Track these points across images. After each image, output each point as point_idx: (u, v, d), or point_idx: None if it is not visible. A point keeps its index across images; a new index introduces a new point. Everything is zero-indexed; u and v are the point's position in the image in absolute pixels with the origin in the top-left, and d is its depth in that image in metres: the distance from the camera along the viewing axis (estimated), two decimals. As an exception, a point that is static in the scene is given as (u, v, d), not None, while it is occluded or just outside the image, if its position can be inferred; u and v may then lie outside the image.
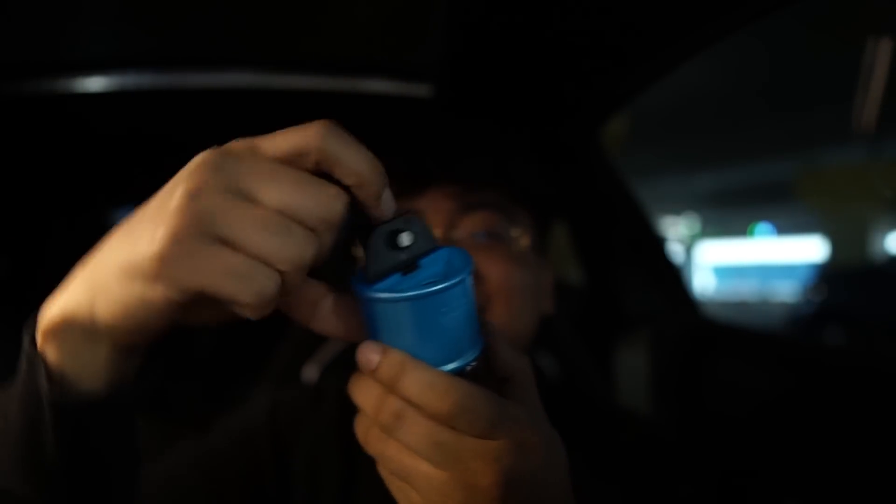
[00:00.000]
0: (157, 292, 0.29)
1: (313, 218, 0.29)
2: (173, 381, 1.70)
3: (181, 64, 1.09)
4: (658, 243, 1.23)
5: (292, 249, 0.29)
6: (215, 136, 0.33)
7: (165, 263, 0.28)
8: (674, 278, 1.21)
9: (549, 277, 0.66)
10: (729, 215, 14.54)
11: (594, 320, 1.35)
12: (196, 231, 0.28)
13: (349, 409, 0.36)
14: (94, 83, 1.11)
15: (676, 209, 13.41)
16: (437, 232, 0.56)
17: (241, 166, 0.29)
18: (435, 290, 0.32)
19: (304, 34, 1.02)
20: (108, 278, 0.30)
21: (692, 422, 1.05)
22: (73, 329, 0.32)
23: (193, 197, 0.28)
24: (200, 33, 1.02)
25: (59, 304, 0.32)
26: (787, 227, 14.31)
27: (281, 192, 0.29)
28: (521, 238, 0.60)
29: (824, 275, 6.24)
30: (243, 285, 0.28)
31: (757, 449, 0.90)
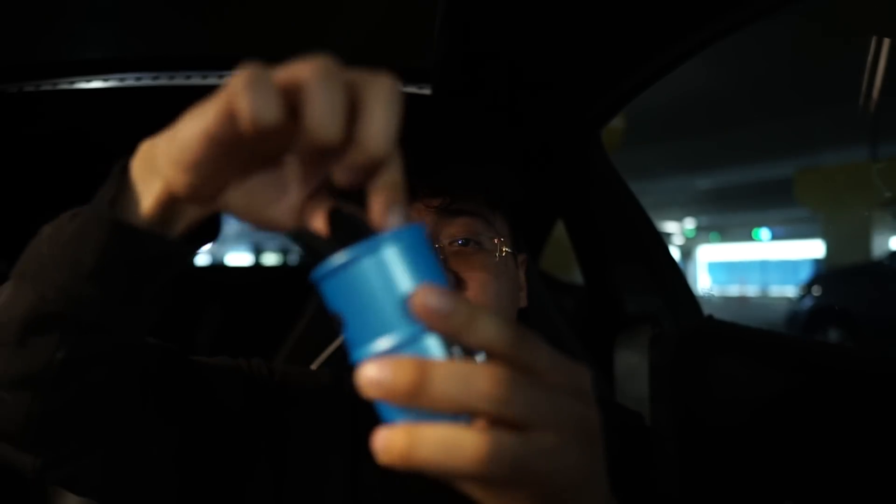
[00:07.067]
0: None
1: None
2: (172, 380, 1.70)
3: (184, 65, 1.09)
4: (658, 243, 1.23)
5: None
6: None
7: None
8: (674, 278, 1.21)
9: (523, 275, 0.70)
10: (729, 216, 14.54)
11: (594, 320, 1.35)
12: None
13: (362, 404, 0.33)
14: (95, 83, 1.11)
15: (676, 209, 13.42)
16: None
17: None
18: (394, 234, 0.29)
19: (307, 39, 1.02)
20: (179, 124, 0.32)
21: (692, 421, 1.05)
22: (145, 157, 0.37)
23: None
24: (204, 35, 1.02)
25: (150, 140, 0.37)
26: (786, 228, 14.30)
27: None
28: (500, 242, 0.63)
29: (823, 273, 6.24)
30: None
31: (757, 449, 0.90)
